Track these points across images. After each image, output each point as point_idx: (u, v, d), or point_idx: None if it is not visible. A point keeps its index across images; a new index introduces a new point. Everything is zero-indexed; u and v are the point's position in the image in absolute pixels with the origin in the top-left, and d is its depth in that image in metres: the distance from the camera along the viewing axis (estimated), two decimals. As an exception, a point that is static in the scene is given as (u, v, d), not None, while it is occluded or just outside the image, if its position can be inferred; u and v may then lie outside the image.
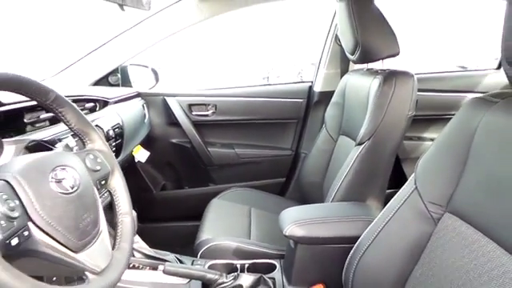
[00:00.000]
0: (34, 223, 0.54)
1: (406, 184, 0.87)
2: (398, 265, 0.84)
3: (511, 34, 0.66)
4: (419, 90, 1.80)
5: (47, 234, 0.56)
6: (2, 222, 0.49)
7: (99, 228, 0.68)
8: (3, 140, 0.78)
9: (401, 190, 0.88)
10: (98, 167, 0.76)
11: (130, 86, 1.80)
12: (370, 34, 1.25)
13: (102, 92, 1.45)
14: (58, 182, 0.61)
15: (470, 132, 0.76)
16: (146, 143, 1.77)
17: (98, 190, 0.74)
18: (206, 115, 1.88)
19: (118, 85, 1.76)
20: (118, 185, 0.81)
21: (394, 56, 1.26)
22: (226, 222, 1.45)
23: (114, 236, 0.75)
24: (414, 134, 1.90)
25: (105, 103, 1.40)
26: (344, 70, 1.84)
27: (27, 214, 0.54)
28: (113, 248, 0.71)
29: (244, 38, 4.65)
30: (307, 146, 1.89)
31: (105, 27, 1.73)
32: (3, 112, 0.79)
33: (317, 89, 1.91)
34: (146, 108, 1.79)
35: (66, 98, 0.74)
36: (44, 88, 0.68)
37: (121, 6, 0.88)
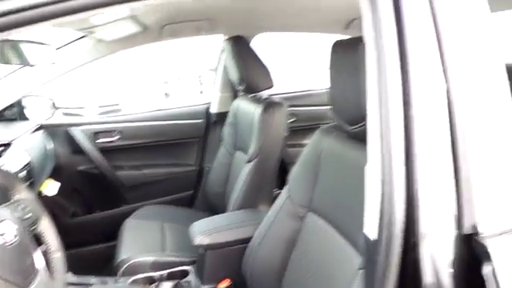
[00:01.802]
0: None
1: (282, 193, 1.17)
2: (281, 254, 1.13)
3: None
4: (300, 106, 2.18)
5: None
6: None
7: (38, 266, 0.82)
8: None
9: (279, 198, 1.18)
10: (27, 215, 0.88)
11: (27, 119, 1.79)
12: (250, 73, 1.55)
13: (2, 134, 1.46)
14: (2, 235, 0.74)
15: (318, 152, 1.09)
16: (53, 174, 1.79)
17: (28, 234, 0.87)
18: (112, 141, 1.97)
19: (15, 119, 1.75)
20: (46, 228, 0.94)
21: (269, 88, 1.58)
22: (142, 239, 1.58)
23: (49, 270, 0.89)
24: (297, 141, 2.21)
25: (7, 145, 1.42)
26: (235, 94, 2.07)
27: None
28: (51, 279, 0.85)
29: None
30: (210, 159, 2.08)
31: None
32: None
33: (213, 110, 2.12)
34: (49, 139, 1.81)
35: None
36: None
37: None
